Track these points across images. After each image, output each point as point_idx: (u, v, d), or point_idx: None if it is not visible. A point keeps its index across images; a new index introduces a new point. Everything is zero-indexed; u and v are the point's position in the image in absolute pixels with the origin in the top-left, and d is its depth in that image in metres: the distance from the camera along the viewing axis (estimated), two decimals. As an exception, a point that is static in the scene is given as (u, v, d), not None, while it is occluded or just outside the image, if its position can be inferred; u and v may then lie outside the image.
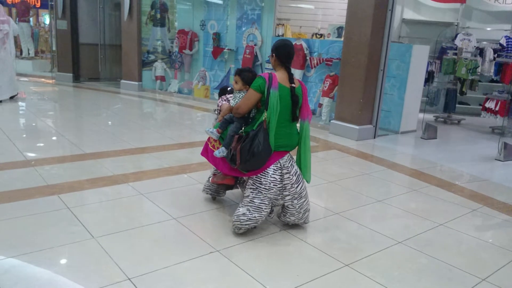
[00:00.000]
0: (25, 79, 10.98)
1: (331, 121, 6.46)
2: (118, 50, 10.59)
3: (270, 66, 7.59)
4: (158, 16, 9.80)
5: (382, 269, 2.59)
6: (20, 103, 7.58)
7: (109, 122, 6.61)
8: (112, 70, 11.39)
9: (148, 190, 3.60)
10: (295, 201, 2.94)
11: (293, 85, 2.90)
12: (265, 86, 2.83)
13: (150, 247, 2.68)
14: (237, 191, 3.64)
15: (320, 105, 7.25)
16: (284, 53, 2.93)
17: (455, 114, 8.35)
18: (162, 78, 9.83)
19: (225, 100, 3.31)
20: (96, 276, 2.31)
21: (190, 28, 9.35)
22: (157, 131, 6.12)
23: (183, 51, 9.41)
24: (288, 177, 2.90)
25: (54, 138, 5.43)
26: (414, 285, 2.44)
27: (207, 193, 3.47)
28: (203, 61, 9.45)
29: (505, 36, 8.78)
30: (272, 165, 2.87)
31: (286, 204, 2.96)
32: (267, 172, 2.86)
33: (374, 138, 6.25)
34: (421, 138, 6.47)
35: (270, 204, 2.91)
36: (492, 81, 8.85)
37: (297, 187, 2.94)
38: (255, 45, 8.09)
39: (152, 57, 10.03)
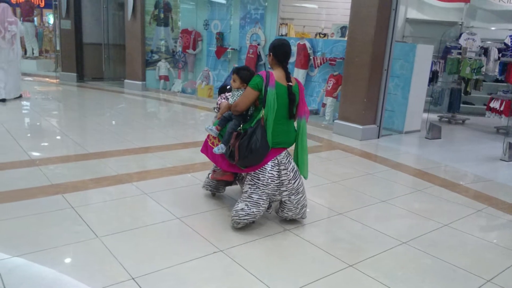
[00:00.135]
0: (30, 78, 11.02)
1: (335, 121, 6.45)
2: (122, 49, 10.61)
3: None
4: (162, 15, 9.81)
5: (386, 269, 2.58)
6: (24, 103, 7.60)
7: (113, 122, 6.62)
8: (116, 70, 11.41)
9: (151, 190, 3.61)
10: (293, 197, 3.01)
11: (290, 83, 2.96)
12: (263, 84, 2.90)
13: (154, 246, 2.68)
14: (237, 188, 3.65)
15: (324, 105, 7.24)
16: (281, 52, 3.00)
17: (460, 114, 8.32)
18: (166, 78, 9.84)
19: (224, 98, 3.37)
20: (100, 276, 2.32)
21: (193, 27, 9.36)
22: (160, 131, 6.13)
23: (187, 50, 9.43)
24: (286, 173, 2.97)
25: (58, 137, 5.45)
26: (418, 286, 2.43)
27: (206, 189, 3.54)
28: (206, 60, 9.47)
29: (510, 36, 8.75)
30: (270, 162, 2.93)
31: (283, 199, 3.02)
32: (265, 168, 2.93)
33: (378, 138, 6.24)
34: (425, 138, 6.45)
35: (268, 199, 2.98)
36: (496, 80, 8.83)
37: (294, 183, 3.01)
38: (258, 44, 8.09)
39: (155, 56, 10.05)
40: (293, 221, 3.18)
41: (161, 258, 2.54)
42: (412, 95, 6.54)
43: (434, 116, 8.03)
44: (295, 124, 3.11)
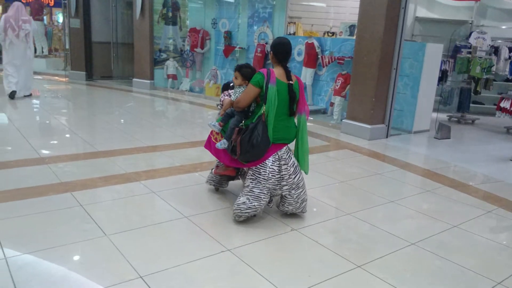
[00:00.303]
0: (39, 77, 11.10)
1: (343, 120, 6.42)
2: (131, 48, 10.65)
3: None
4: (170, 14, 9.83)
5: (394, 270, 2.56)
6: (34, 101, 7.67)
7: (121, 120, 6.65)
8: (124, 69, 11.46)
9: (159, 188, 3.62)
10: (293, 191, 3.08)
11: (290, 81, 3.04)
12: (264, 81, 2.98)
13: (162, 245, 2.69)
14: (240, 184, 3.66)
15: (332, 104, 7.22)
16: (281, 51, 3.08)
17: (469, 114, 8.24)
18: (174, 77, 9.87)
19: (227, 95, 3.46)
20: (108, 274, 2.33)
21: (201, 26, 9.37)
22: (168, 130, 6.14)
23: (195, 49, 9.44)
24: (286, 168, 3.05)
25: (67, 135, 5.49)
26: None
27: (210, 184, 3.62)
28: (214, 59, 9.47)
29: (521, 35, 8.63)
30: (271, 157, 3.02)
31: (284, 194, 3.10)
32: (266, 163, 3.01)
33: (387, 137, 6.20)
34: (435, 138, 6.39)
35: (269, 193, 3.05)
36: (507, 80, 8.72)
37: (294, 177, 3.08)
38: (266, 43, 8.07)
39: (164, 55, 10.08)
40: (300, 220, 3.18)
41: (169, 256, 2.54)
42: (421, 95, 6.49)
43: (443, 116, 7.96)
44: (296, 121, 3.18)
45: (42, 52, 13.41)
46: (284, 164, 3.04)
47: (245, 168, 3.23)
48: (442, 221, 3.34)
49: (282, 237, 2.91)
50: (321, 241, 2.87)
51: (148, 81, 9.91)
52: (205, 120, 7.31)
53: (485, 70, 7.68)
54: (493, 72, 8.03)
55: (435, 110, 6.97)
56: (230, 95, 3.39)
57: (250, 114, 3.17)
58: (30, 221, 2.89)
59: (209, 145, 3.41)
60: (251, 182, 3.03)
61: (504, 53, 8.13)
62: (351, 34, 8.39)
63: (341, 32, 8.78)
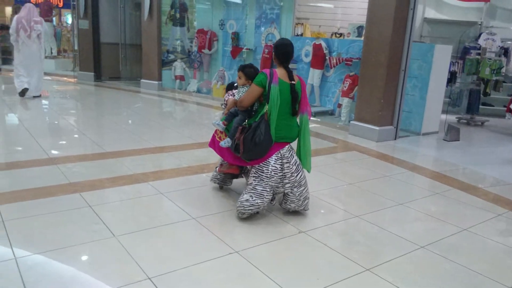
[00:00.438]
0: (48, 77, 11.19)
1: (351, 121, 6.40)
2: (139, 49, 10.71)
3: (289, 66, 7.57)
4: (178, 15, 9.86)
5: (404, 274, 2.54)
6: (43, 102, 7.73)
7: (129, 121, 6.68)
8: (133, 70, 11.51)
9: (167, 189, 3.62)
10: (295, 189, 3.14)
11: (293, 82, 3.09)
12: (266, 81, 3.04)
13: (170, 246, 2.69)
14: (245, 183, 3.64)
15: (340, 106, 7.19)
16: (281, 52, 3.14)
17: (479, 116, 8.16)
18: (182, 78, 9.89)
19: (231, 95, 3.50)
20: (117, 275, 2.33)
21: (209, 27, 9.39)
22: (176, 130, 6.16)
23: (202, 50, 9.45)
24: (288, 167, 3.11)
25: (76, 136, 5.52)
26: (437, 291, 2.39)
27: (214, 182, 3.68)
28: (222, 60, 9.48)
29: (531, 36, 8.55)
30: (274, 155, 3.08)
31: (286, 191, 3.15)
32: (269, 162, 3.07)
33: (395, 139, 6.16)
34: (444, 140, 6.34)
35: (272, 191, 3.11)
36: (517, 81, 8.64)
37: (296, 175, 3.14)
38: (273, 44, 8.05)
39: (171, 56, 10.11)
40: (308, 222, 3.17)
41: (177, 258, 2.55)
42: (430, 96, 6.44)
43: (452, 118, 7.90)
44: (298, 120, 3.24)
45: (51, 53, 13.52)
46: (286, 163, 3.10)
47: (248, 166, 3.30)
48: (451, 224, 3.31)
49: (290, 239, 2.90)
50: (329, 243, 2.86)
51: (156, 82, 9.94)
52: (213, 121, 7.31)
53: (495, 72, 7.62)
54: (503, 74, 7.96)
55: (444, 111, 6.92)
56: (234, 95, 3.46)
57: (253, 113, 3.25)
58: (40, 221, 2.91)
59: (214, 143, 3.50)
60: (254, 180, 3.10)
61: (514, 54, 8.06)
62: (359, 35, 8.35)
63: (349, 33, 8.74)
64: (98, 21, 10.87)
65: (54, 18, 14.15)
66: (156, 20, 9.56)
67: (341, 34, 9.04)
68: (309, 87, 7.90)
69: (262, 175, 3.07)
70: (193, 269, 2.44)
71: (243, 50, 8.81)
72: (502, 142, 6.72)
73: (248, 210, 3.05)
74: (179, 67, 9.83)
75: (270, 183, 3.07)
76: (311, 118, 7.17)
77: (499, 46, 8.45)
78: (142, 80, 10.27)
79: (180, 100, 9.05)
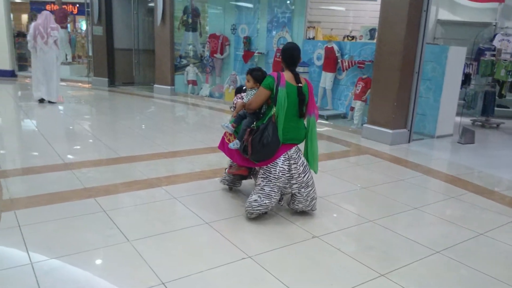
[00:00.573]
0: (63, 83, 11.34)
1: (364, 125, 6.35)
2: (152, 55, 10.80)
3: (300, 69, 7.57)
4: (190, 21, 9.93)
5: (419, 279, 2.51)
6: (58, 107, 7.84)
7: (143, 126, 6.74)
8: (146, 75, 11.62)
9: (181, 194, 3.64)
10: (302, 190, 3.19)
11: (300, 84, 3.14)
12: (274, 84, 3.11)
13: (183, 251, 2.70)
14: (254, 184, 3.66)
15: (352, 109, 7.15)
16: (288, 55, 3.22)
17: (494, 118, 8.03)
18: (194, 82, 9.95)
19: (240, 98, 3.60)
20: (131, 280, 2.35)
21: (221, 32, 9.44)
22: (188, 135, 6.19)
23: (214, 55, 9.50)
24: (295, 168, 3.16)
25: (90, 141, 5.59)
26: (453, 297, 2.36)
27: (224, 184, 3.78)
28: (234, 65, 9.52)
29: (548, 36, 8.40)
30: (281, 156, 3.13)
31: (294, 192, 3.20)
32: (276, 163, 3.13)
33: (409, 142, 6.10)
34: (458, 142, 6.26)
35: (279, 192, 3.17)
36: (533, 83, 8.48)
37: (304, 176, 3.19)
38: (286, 48, 8.05)
39: (184, 61, 10.18)
40: (321, 227, 3.15)
41: (190, 263, 2.55)
42: (444, 98, 6.37)
43: (467, 120, 7.79)
44: (306, 122, 3.28)
45: (66, 59, 13.71)
46: (293, 164, 3.16)
47: (256, 168, 3.36)
48: (467, 229, 3.26)
49: (303, 244, 2.89)
50: (343, 248, 2.84)
51: (169, 87, 10.02)
52: (222, 123, 7.34)
53: (510, 73, 7.49)
54: (519, 75, 7.82)
55: (459, 114, 6.83)
56: (243, 98, 3.54)
57: (261, 116, 3.31)
58: (55, 226, 2.95)
59: (223, 145, 3.57)
60: (262, 180, 3.16)
61: (530, 55, 7.92)
62: (372, 37, 8.30)
63: (361, 36, 8.69)
64: (112, 27, 11.00)
65: (69, 25, 14.36)
66: (168, 26, 9.64)
67: (353, 37, 9.00)
68: (321, 90, 7.88)
69: (270, 176, 3.13)
70: (206, 274, 2.44)
71: (255, 54, 8.83)
72: (519, 144, 6.60)
73: (257, 210, 3.11)
74: (191, 71, 9.89)
75: (277, 183, 3.13)
76: (323, 121, 7.18)
77: (514, 47, 8.33)
78: (155, 85, 10.36)
79: (192, 105, 9.11)
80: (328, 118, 7.41)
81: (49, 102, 7.97)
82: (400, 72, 5.74)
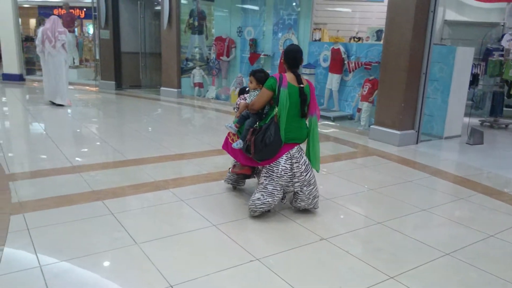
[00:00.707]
0: (71, 87, 11.40)
1: (371, 126, 6.32)
2: (158, 58, 10.84)
3: (307, 71, 7.56)
4: (196, 24, 9.97)
5: (429, 282, 2.48)
6: (66, 110, 7.89)
7: (150, 128, 6.76)
8: (152, 78, 11.67)
9: (188, 196, 3.64)
10: (305, 188, 3.26)
11: (301, 85, 3.20)
12: (276, 85, 3.18)
13: (191, 254, 2.70)
14: (257, 183, 3.64)
15: (359, 110, 7.13)
16: (289, 57, 3.28)
17: (503, 118, 7.96)
18: (200, 85, 9.97)
19: (243, 99, 3.66)
20: (139, 283, 2.35)
21: (227, 35, 9.45)
22: (195, 137, 6.20)
23: (221, 57, 9.52)
24: (297, 166, 3.21)
25: (98, 143, 5.62)
26: (463, 300, 2.33)
27: (228, 183, 3.85)
28: (240, 67, 9.53)
29: (557, 36, 8.32)
30: (284, 155, 3.19)
31: (296, 190, 3.27)
32: (279, 162, 3.19)
33: (417, 143, 6.06)
34: (467, 143, 6.21)
35: (282, 190, 3.24)
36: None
37: (306, 175, 3.25)
38: (292, 50, 8.04)
39: (190, 64, 10.21)
40: (329, 229, 3.14)
41: (198, 265, 2.55)
42: (452, 99, 6.33)
43: (475, 121, 7.73)
44: (307, 122, 3.34)
45: (73, 62, 13.82)
46: (295, 163, 3.21)
47: (259, 167, 3.43)
48: (477, 230, 3.22)
49: (311, 246, 2.87)
50: (351, 251, 2.82)
51: (176, 90, 10.04)
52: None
53: (519, 73, 7.43)
54: (528, 75, 7.74)
55: (467, 114, 6.77)
56: (246, 99, 3.60)
57: (264, 116, 3.39)
58: (64, 229, 2.96)
59: (227, 145, 3.67)
60: (265, 179, 3.23)
61: (539, 55, 7.84)
62: (378, 39, 8.28)
63: (368, 37, 8.68)
64: (119, 31, 11.06)
65: (76, 29, 14.47)
66: (175, 29, 9.68)
67: (359, 38, 8.98)
68: (327, 92, 7.86)
69: (273, 175, 3.19)
70: (214, 277, 2.44)
71: (261, 56, 8.83)
72: (529, 145, 6.53)
73: (260, 208, 3.17)
74: (198, 74, 9.91)
75: (280, 182, 3.19)
76: (330, 123, 7.15)
77: (523, 46, 8.24)
78: (161, 88, 10.40)
79: (199, 107, 9.12)
80: (334, 119, 7.38)
81: (58, 105, 8.04)
82: (407, 73, 5.71)
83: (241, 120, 3.50)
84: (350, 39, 9.12)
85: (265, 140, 3.12)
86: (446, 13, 9.63)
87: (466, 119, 6.68)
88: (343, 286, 2.40)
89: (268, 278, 2.45)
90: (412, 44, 5.64)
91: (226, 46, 9.40)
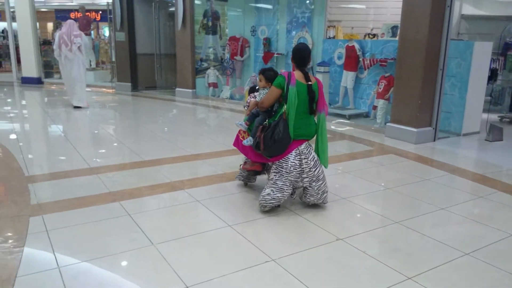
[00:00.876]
0: (88, 89, 11.56)
1: (387, 123, 6.25)
2: (173, 59, 10.91)
3: (321, 69, 7.51)
4: (210, 24, 9.99)
5: (448, 283, 2.44)
6: (83, 112, 8.01)
7: (165, 129, 6.81)
8: (168, 79, 11.75)
9: (203, 197, 3.66)
10: (314, 183, 3.33)
11: (309, 82, 3.27)
12: (285, 83, 3.25)
13: (207, 254, 2.71)
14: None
15: (375, 107, 7.05)
16: (297, 56, 3.36)
17: (523, 114, 7.78)
18: (215, 85, 10.00)
19: (253, 97, 3.76)
20: (156, 284, 2.37)
21: (241, 34, 9.46)
22: (210, 137, 6.22)
23: (235, 57, 9.53)
24: (306, 162, 3.28)
25: (115, 145, 5.68)
26: (484, 301, 2.28)
27: (239, 179, 3.94)
28: (254, 66, 9.52)
29: None
30: (293, 152, 3.26)
31: (305, 185, 3.34)
32: (288, 158, 3.26)
33: (434, 141, 5.96)
34: (486, 140, 6.08)
35: (291, 185, 3.31)
36: None
37: (314, 171, 3.32)
38: (306, 48, 8.00)
39: (205, 64, 10.25)
40: (346, 229, 3.11)
41: (214, 266, 2.56)
42: (470, 95, 6.20)
43: (494, 117, 7.56)
44: (316, 119, 3.42)
45: (90, 65, 14.02)
46: (304, 159, 3.28)
47: (269, 163, 3.51)
48: (497, 230, 3.15)
49: (327, 246, 2.85)
50: (368, 251, 2.79)
51: (190, 90, 10.09)
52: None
53: (540, 67, 7.25)
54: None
55: (486, 110, 6.64)
56: (256, 97, 3.70)
57: (273, 113, 3.46)
58: (81, 230, 3.00)
59: (237, 143, 3.76)
60: (274, 175, 3.30)
61: (561, 48, 7.64)
62: (393, 35, 8.17)
63: (383, 33, 8.57)
64: (134, 33, 11.17)
65: (92, 32, 14.66)
66: (189, 30, 9.73)
67: (374, 35, 8.88)
68: (342, 89, 7.80)
69: (282, 171, 3.26)
70: (230, 277, 2.44)
71: (275, 55, 8.81)
72: (551, 141, 6.36)
73: (270, 203, 3.26)
74: (212, 74, 9.95)
75: (289, 178, 3.26)
76: (345, 121, 7.10)
77: (544, 40, 8.04)
78: (177, 89, 10.46)
79: (213, 107, 9.16)
80: (350, 117, 7.32)
81: (76, 107, 8.18)
82: (423, 69, 5.62)
83: (251, 118, 3.58)
84: (365, 36, 9.02)
85: (274, 137, 3.19)
86: (463, 7, 9.45)
87: (485, 115, 6.55)
88: (361, 287, 2.37)
89: (284, 279, 2.44)
90: (429, 40, 5.55)
91: (240, 45, 9.41)
